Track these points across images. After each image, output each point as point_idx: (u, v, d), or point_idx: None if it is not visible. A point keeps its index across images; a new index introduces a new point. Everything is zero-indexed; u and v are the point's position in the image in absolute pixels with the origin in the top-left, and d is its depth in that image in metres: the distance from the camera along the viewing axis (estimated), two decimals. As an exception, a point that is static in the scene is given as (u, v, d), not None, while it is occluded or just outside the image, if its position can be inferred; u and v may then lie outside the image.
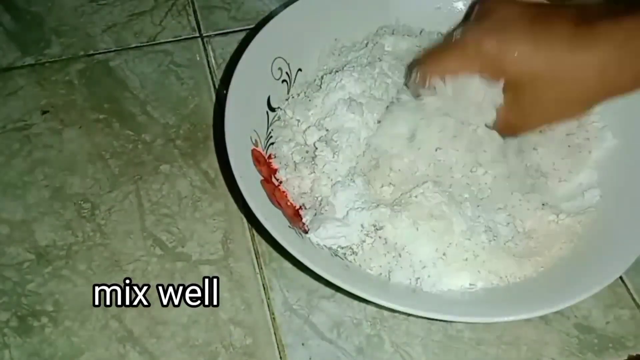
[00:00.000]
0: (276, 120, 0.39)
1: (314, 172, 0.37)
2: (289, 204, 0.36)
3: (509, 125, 0.36)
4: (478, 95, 0.35)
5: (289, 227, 0.33)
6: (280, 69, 0.40)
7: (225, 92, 0.36)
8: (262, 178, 0.35)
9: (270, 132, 0.38)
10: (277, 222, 0.33)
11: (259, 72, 0.39)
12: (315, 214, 0.35)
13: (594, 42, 0.31)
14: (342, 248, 0.35)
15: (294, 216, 0.36)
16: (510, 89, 0.34)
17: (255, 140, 0.37)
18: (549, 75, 0.33)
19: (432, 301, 0.33)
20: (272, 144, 0.38)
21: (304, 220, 0.35)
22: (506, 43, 0.33)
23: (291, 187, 0.37)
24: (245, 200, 0.32)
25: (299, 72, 0.41)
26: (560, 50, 0.32)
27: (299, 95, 0.40)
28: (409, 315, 0.35)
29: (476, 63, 0.34)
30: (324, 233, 0.34)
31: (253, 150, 0.36)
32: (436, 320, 0.35)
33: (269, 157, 0.37)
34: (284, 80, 0.40)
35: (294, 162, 0.37)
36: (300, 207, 0.36)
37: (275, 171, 0.37)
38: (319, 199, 0.36)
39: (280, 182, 0.37)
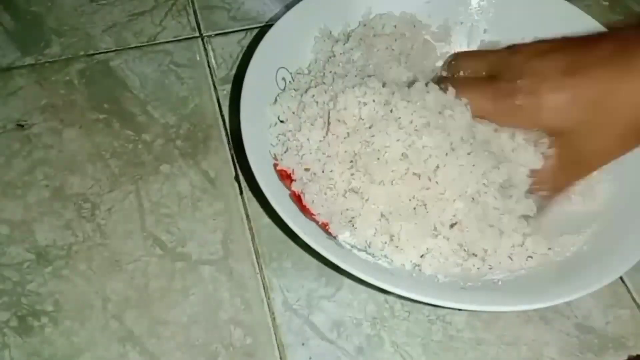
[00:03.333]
0: (287, 132, 0.39)
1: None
2: (314, 212, 0.36)
3: (565, 171, 0.35)
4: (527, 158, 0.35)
5: (327, 238, 0.33)
6: (284, 79, 0.40)
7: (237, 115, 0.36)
8: (289, 192, 0.35)
9: (283, 144, 0.38)
10: (321, 237, 0.33)
11: (266, 87, 0.39)
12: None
13: (635, 63, 0.30)
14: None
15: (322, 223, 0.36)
16: (557, 136, 0.34)
17: (275, 155, 0.37)
18: (595, 109, 0.32)
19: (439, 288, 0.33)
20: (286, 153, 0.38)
21: (333, 232, 0.35)
22: (541, 94, 0.32)
23: (310, 195, 0.36)
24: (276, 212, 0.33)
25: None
26: (601, 79, 0.31)
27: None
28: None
29: (509, 117, 0.34)
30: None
31: (275, 166, 0.36)
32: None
33: (289, 171, 0.37)
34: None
35: (312, 172, 0.37)
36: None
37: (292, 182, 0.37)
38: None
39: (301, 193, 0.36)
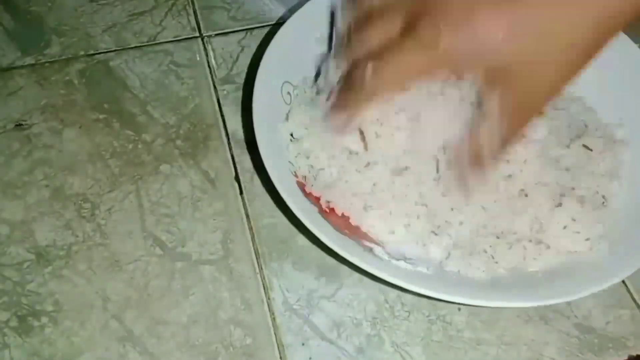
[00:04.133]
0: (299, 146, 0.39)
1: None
2: (346, 223, 0.36)
3: (515, 115, 0.30)
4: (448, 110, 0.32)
5: (364, 251, 0.34)
6: (289, 93, 0.40)
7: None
8: (317, 209, 0.35)
9: (299, 160, 0.38)
10: (358, 250, 0.33)
11: (274, 104, 0.39)
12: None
13: None
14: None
15: (352, 230, 0.36)
16: (498, 76, 0.29)
17: (295, 172, 0.37)
18: (542, 47, 0.28)
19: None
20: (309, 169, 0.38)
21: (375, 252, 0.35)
22: (479, 26, 0.27)
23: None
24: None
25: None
26: (542, 7, 0.27)
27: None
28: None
29: (443, 63, 0.29)
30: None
31: (298, 183, 0.36)
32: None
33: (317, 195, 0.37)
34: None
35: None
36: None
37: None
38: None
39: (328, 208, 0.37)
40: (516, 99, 0.30)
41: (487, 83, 0.30)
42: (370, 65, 0.30)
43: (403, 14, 0.30)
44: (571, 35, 0.28)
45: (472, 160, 0.32)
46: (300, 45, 0.41)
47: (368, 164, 0.36)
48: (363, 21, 0.33)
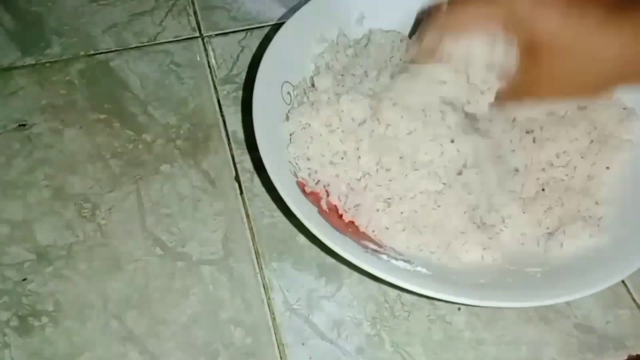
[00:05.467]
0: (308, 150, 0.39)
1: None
2: (345, 222, 0.36)
3: (517, 91, 0.36)
4: (491, 57, 0.35)
5: (365, 252, 0.34)
6: (289, 93, 0.40)
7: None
8: (317, 209, 0.35)
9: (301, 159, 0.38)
10: (358, 251, 0.33)
11: (273, 105, 0.39)
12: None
13: (620, 28, 0.31)
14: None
15: (354, 231, 0.36)
16: (528, 54, 0.34)
17: (294, 172, 0.37)
18: (573, 49, 0.32)
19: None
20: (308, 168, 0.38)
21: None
22: (541, 7, 0.32)
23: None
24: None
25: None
26: (589, 27, 0.32)
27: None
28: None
29: (501, 21, 0.33)
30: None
31: (298, 183, 0.36)
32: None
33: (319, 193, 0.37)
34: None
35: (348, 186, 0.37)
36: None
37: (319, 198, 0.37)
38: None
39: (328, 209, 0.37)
40: (550, 72, 0.34)
41: (529, 49, 0.34)
42: (445, 6, 0.35)
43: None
44: (607, 59, 0.32)
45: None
46: (300, 45, 0.41)
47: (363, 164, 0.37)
48: None
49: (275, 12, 0.49)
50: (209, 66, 0.47)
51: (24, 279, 0.36)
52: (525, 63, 0.34)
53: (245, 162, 0.42)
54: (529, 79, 0.35)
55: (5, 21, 0.48)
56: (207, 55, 0.47)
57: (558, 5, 0.32)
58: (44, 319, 0.35)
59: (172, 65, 0.46)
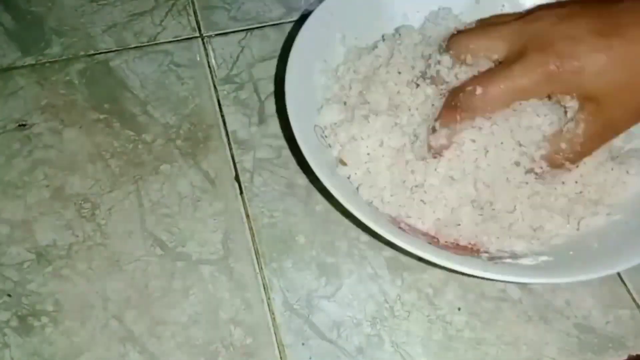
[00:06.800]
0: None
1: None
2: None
3: (596, 137, 0.34)
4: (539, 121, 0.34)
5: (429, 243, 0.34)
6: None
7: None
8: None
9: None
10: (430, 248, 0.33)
11: (307, 107, 0.38)
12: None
13: None
14: None
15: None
16: (589, 101, 0.33)
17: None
18: (626, 83, 0.32)
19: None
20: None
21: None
22: (581, 57, 0.31)
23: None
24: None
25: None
26: (637, 44, 0.31)
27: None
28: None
29: (546, 86, 0.32)
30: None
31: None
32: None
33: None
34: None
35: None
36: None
37: None
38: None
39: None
40: (600, 124, 0.33)
41: (580, 106, 0.33)
42: (478, 86, 0.34)
43: (511, 44, 0.34)
44: None
45: (549, 159, 0.35)
46: (327, 39, 0.41)
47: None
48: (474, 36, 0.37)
49: (275, 12, 0.49)
50: (209, 66, 0.47)
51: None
52: (590, 109, 0.33)
53: (245, 162, 0.42)
54: (603, 122, 0.33)
55: (5, 21, 0.48)
56: (207, 55, 0.47)
57: (596, 44, 0.31)
58: (44, 319, 0.35)
59: (172, 65, 0.46)
